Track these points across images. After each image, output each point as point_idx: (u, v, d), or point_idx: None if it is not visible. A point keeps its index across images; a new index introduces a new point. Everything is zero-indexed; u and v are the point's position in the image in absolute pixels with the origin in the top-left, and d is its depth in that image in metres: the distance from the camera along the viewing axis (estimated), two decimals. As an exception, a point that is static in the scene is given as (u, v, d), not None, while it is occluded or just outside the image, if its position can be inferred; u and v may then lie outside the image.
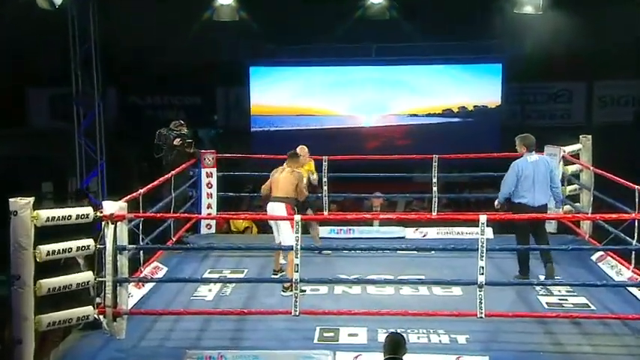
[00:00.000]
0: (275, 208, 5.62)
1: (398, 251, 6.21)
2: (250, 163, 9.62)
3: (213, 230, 7.25)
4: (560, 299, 5.25)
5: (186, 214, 6.57)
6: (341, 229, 7.14)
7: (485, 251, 4.58)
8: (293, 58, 10.84)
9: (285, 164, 5.77)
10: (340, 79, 10.73)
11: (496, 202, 5.62)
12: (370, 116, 10.99)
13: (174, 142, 6.66)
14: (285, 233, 5.37)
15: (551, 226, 6.70)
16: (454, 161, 8.54)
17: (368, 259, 6.20)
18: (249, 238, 7.76)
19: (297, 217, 4.75)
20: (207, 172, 7.26)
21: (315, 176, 6.60)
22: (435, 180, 7.07)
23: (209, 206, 7.22)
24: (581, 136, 6.91)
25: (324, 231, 7.16)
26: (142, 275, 5.49)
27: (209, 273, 5.98)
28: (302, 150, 6.43)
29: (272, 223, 5.68)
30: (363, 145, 10.93)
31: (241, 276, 5.87)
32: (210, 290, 5.47)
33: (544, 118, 11.65)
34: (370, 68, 10.75)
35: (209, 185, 7.26)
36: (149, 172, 8.55)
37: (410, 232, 7.13)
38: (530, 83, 11.51)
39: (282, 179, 5.65)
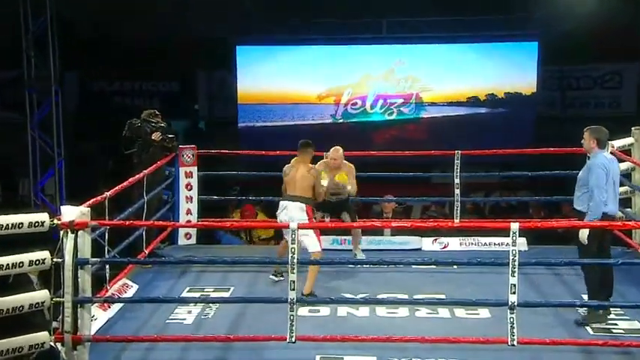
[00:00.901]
0: (291, 208, 5.80)
1: (413, 266, 6.19)
2: (238, 160, 9.64)
3: (193, 240, 7.26)
4: (608, 324, 5.24)
5: (161, 222, 6.56)
6: (345, 240, 7.15)
7: (517, 266, 4.57)
8: (288, 36, 10.85)
9: (296, 159, 5.95)
10: (344, 61, 10.73)
11: (589, 220, 5.05)
12: (379, 105, 10.97)
13: (154, 137, 6.66)
14: (309, 237, 5.63)
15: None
16: (480, 158, 8.49)
17: (377, 275, 6.21)
18: (239, 249, 7.77)
19: (293, 225, 4.74)
20: (186, 172, 7.27)
21: (350, 188, 6.39)
22: (457, 181, 7.08)
23: (188, 212, 7.24)
24: (633, 129, 6.92)
25: (325, 242, 7.17)
26: (107, 294, 5.48)
27: (188, 291, 6.00)
28: (336, 152, 6.45)
29: (283, 217, 5.82)
30: (371, 139, 10.94)
31: (227, 295, 5.87)
32: (189, 312, 5.48)
33: (588, 106, 11.68)
34: (379, 48, 10.74)
35: (188, 187, 7.27)
36: (117, 171, 8.58)
37: (427, 243, 7.16)
38: (572, 65, 11.53)
39: (300, 178, 5.87)
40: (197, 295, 5.89)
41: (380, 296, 5.65)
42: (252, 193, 9.52)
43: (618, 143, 6.86)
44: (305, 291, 5.54)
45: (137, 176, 6.16)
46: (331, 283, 6.04)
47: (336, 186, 6.38)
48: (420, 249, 7.10)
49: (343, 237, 7.19)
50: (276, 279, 5.88)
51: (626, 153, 6.84)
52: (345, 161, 6.55)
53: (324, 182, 6.24)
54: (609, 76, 11.73)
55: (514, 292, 4.56)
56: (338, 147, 6.53)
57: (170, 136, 6.76)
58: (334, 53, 10.75)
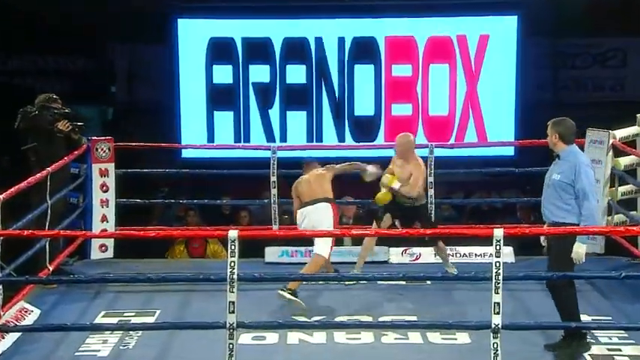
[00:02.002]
0: (312, 211, 6.24)
1: (379, 282, 6.25)
2: (167, 155, 9.57)
3: (110, 253, 7.20)
4: (610, 349, 5.33)
5: (68, 231, 6.48)
6: (296, 251, 7.19)
7: (502, 280, 4.65)
8: (233, 4, 10.86)
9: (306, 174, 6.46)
10: (300, 39, 10.78)
11: (579, 247, 5.01)
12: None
13: (60, 127, 6.55)
14: (325, 239, 6.05)
15: (595, 245, 6.84)
16: (458, 152, 8.69)
17: (335, 293, 6.24)
18: (167, 264, 7.72)
19: (232, 234, 4.74)
20: (100, 169, 7.21)
21: (403, 189, 6.45)
22: (430, 179, 7.16)
23: (104, 219, 7.19)
24: (638, 116, 7.06)
25: (271, 254, 7.18)
26: (1, 322, 5.38)
27: (104, 317, 5.95)
28: (399, 138, 6.55)
29: (306, 224, 6.22)
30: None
31: (151, 320, 5.84)
32: (105, 342, 5.44)
33: (585, 89, 11.87)
34: (341, 22, 10.83)
35: (104, 188, 7.22)
36: (11, 169, 8.41)
37: (396, 255, 7.21)
38: (567, 39, 11.71)
39: (314, 180, 6.35)
40: (114, 320, 5.83)
41: (339, 319, 5.69)
42: (185, 195, 9.48)
43: (621, 133, 7.01)
44: (290, 285, 5.87)
45: (37, 175, 6.07)
46: (280, 304, 6.05)
47: (381, 185, 6.47)
48: (386, 261, 7.15)
49: (295, 248, 7.21)
50: (288, 297, 5.94)
51: (630, 145, 6.99)
52: (419, 158, 6.59)
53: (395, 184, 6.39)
54: (611, 53, 11.90)
55: (498, 312, 4.64)
56: (406, 133, 6.65)
57: (79, 124, 6.68)
58: (286, 28, 10.78)
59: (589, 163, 5.21)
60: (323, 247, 6.20)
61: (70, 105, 6.82)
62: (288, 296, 5.92)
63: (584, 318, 5.51)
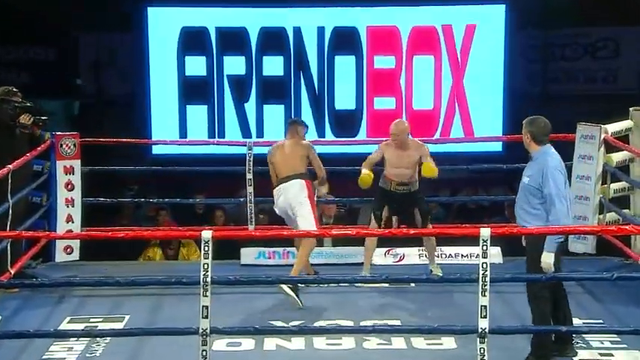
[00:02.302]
0: (288, 188, 6.33)
1: (360, 284, 6.26)
2: (137, 151, 9.53)
3: (75, 256, 7.17)
4: (602, 354, 5.36)
5: (31, 232, 6.44)
6: (274, 253, 7.20)
7: (489, 283, 4.66)
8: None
9: (285, 139, 6.50)
10: (277, 29, 10.78)
11: (550, 243, 4.98)
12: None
13: (22, 120, 6.50)
14: (304, 214, 6.23)
15: (586, 245, 6.89)
16: (443, 148, 8.71)
17: (315, 296, 6.24)
18: (137, 267, 7.70)
19: (206, 235, 4.73)
20: (65, 167, 7.18)
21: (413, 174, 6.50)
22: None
23: (69, 219, 7.16)
24: (631, 109, 7.13)
25: (247, 255, 7.18)
26: (-41, 329, 5.35)
27: (69, 322, 5.93)
28: (396, 126, 6.56)
29: (286, 210, 6.37)
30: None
31: (120, 326, 5.82)
32: (70, 349, 5.41)
33: (576, 81, 11.94)
34: (322, 11, 10.83)
35: (69, 186, 7.19)
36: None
37: (379, 255, 7.22)
38: (557, 30, 11.78)
39: (289, 153, 6.43)
40: (81, 326, 5.80)
41: (318, 324, 5.70)
42: (156, 194, 9.44)
43: (613, 128, 7.07)
44: (292, 272, 6.09)
45: (-3, 173, 6.03)
46: (256, 308, 6.06)
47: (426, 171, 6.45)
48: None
49: (272, 249, 7.21)
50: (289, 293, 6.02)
51: (622, 140, 7.05)
52: (415, 139, 6.65)
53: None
54: (602, 43, 11.99)
55: (485, 316, 4.66)
56: (401, 119, 6.68)
57: (43, 117, 6.63)
58: (264, 18, 10.76)
59: (558, 166, 5.11)
60: (308, 218, 6.29)
61: (32, 98, 6.77)
62: (289, 291, 5.98)
63: (574, 321, 5.55)
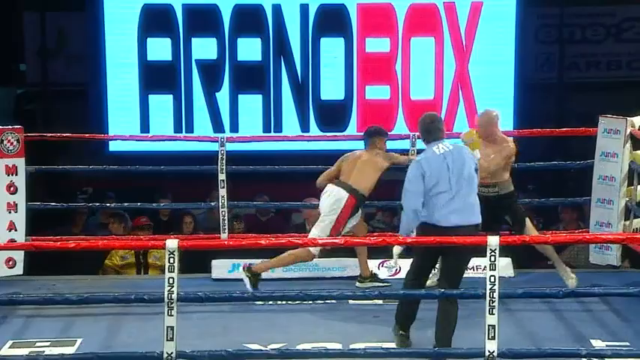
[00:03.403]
0: (331, 193, 6.56)
1: (350, 301, 6.26)
2: (91, 148, 9.49)
3: (19, 269, 7.13)
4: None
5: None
6: (250, 265, 7.17)
7: (497, 299, 4.67)
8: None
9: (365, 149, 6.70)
10: (254, 6, 10.78)
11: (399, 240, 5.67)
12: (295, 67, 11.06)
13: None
14: (323, 226, 6.46)
15: (609, 256, 6.90)
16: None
17: (298, 316, 6.24)
18: (93, 281, 7.66)
19: (172, 244, 4.72)
20: (7, 166, 7.14)
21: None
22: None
23: (12, 227, 7.12)
24: (661, 100, 7.19)
25: (220, 268, 7.16)
26: None
27: (11, 347, 5.91)
28: (481, 117, 6.62)
29: (320, 203, 6.58)
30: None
31: (71, 351, 5.78)
32: (13, 378, 5.39)
33: (597, 67, 11.99)
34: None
35: (11, 189, 7.16)
36: None
37: (372, 268, 7.17)
38: (576, 8, 11.82)
39: (361, 163, 6.63)
40: (24, 352, 5.74)
41: (301, 347, 5.67)
42: (113, 197, 9.41)
43: (640, 120, 7.10)
44: (254, 268, 6.38)
45: None
46: (230, 329, 6.05)
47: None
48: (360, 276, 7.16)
49: (248, 261, 7.18)
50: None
51: (650, 134, 7.09)
52: (503, 135, 6.64)
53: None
54: (628, 24, 12.04)
55: (493, 337, 4.67)
56: (489, 109, 6.67)
57: None
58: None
59: (421, 159, 5.58)
60: (314, 232, 6.50)
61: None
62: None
63: (596, 344, 5.57)
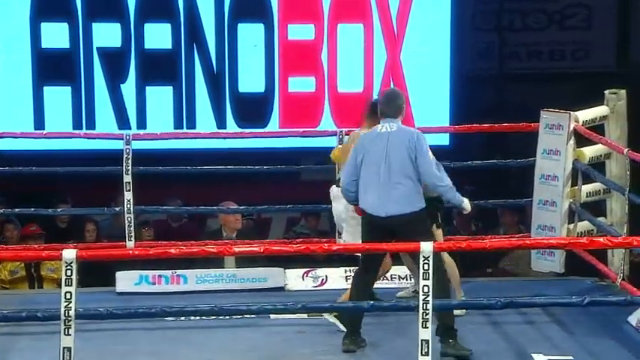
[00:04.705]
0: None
1: (272, 315, 6.27)
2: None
3: None
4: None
5: None
6: (160, 277, 7.16)
7: (431, 310, 4.71)
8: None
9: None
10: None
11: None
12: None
13: None
14: (350, 229, 6.31)
15: (552, 263, 7.00)
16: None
17: (215, 332, 6.23)
18: None
19: (69, 255, 4.67)
20: None
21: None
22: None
23: None
24: (607, 92, 7.28)
25: (125, 281, 7.10)
26: None
27: None
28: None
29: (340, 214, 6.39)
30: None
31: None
32: None
33: (539, 57, 12.14)
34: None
35: None
36: None
37: (295, 279, 7.28)
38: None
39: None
40: None
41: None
42: (4, 203, 9.29)
43: (585, 115, 7.20)
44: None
45: None
46: (137, 350, 5.99)
47: None
48: (283, 288, 7.19)
49: (158, 272, 7.16)
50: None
51: (597, 130, 7.19)
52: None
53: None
54: (572, 11, 12.18)
55: (427, 353, 4.70)
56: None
57: None
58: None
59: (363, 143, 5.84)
60: (348, 239, 6.41)
61: None
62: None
63: (538, 358, 5.66)
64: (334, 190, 6.50)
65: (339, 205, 6.44)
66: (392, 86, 5.82)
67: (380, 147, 5.70)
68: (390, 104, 5.87)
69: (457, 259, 6.50)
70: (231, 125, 10.71)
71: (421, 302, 4.75)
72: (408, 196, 5.66)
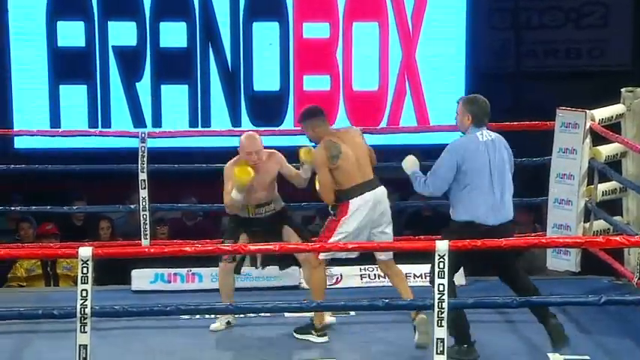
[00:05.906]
0: (381, 198, 6.17)
1: (286, 314, 6.28)
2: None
3: None
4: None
5: None
6: (175, 275, 7.17)
7: (446, 309, 4.71)
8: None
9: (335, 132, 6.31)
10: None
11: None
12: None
13: None
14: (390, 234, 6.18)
15: (568, 262, 6.98)
16: (391, 139, 8.78)
17: (230, 331, 6.24)
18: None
19: (83, 251, 4.69)
20: None
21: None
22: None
23: None
24: (623, 91, 7.27)
25: (140, 279, 7.12)
26: None
27: None
28: (253, 142, 6.42)
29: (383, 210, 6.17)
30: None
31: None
32: None
33: (556, 55, 12.11)
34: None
35: None
36: None
37: (310, 277, 7.26)
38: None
39: (362, 158, 6.23)
40: None
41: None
42: (19, 200, 9.32)
43: (601, 113, 7.17)
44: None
45: None
46: (151, 348, 6.00)
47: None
48: (297, 286, 7.17)
49: (173, 270, 7.17)
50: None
51: (613, 129, 7.17)
52: (270, 150, 6.55)
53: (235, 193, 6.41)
54: (589, 9, 12.19)
55: (442, 352, 4.70)
56: (253, 133, 6.56)
57: None
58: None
59: (464, 150, 5.75)
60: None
61: None
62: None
63: (554, 357, 5.65)
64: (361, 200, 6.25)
65: (383, 211, 6.29)
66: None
67: (484, 153, 5.69)
68: (486, 113, 5.83)
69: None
70: (246, 124, 10.72)
71: (436, 301, 4.75)
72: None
